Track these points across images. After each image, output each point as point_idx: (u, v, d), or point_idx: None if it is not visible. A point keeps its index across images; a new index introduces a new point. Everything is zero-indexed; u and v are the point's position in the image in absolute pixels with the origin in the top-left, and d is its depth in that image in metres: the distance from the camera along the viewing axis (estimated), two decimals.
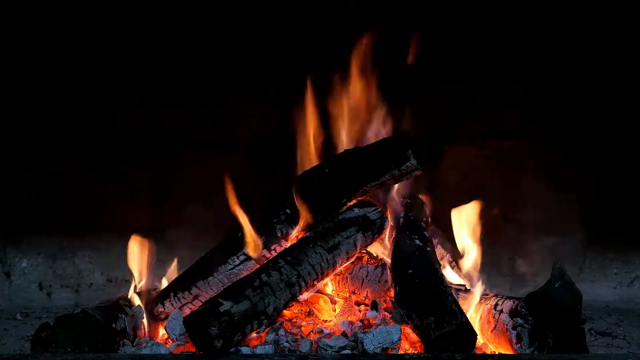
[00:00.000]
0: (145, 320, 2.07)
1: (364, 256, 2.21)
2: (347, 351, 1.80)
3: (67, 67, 2.88)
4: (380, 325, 1.96)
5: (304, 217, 2.14)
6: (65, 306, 2.87)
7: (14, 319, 2.70)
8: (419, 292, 1.89)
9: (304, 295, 2.08)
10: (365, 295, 2.18)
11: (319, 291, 2.19)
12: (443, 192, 2.96)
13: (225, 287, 2.00)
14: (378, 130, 2.36)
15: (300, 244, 2.04)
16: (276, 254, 2.09)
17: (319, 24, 2.83)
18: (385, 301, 2.13)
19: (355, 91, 2.39)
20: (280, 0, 2.82)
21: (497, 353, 1.89)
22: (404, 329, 1.88)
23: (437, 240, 2.36)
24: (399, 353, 1.80)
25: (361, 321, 2.03)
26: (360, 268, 2.19)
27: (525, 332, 1.80)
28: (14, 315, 2.74)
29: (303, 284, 1.96)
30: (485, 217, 2.24)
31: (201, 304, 1.93)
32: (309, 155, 2.35)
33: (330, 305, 2.16)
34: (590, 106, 2.94)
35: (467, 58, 2.90)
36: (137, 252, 2.25)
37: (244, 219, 2.13)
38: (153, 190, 2.96)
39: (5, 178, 2.93)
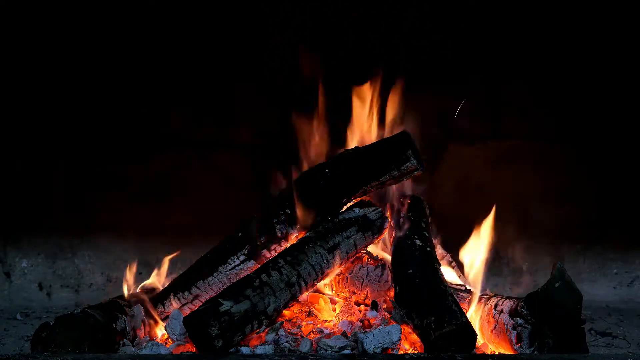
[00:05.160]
0: (145, 320, 2.07)
1: (364, 256, 2.21)
2: (347, 351, 1.80)
3: (67, 68, 2.88)
4: (380, 325, 1.96)
5: (304, 217, 2.14)
6: (65, 306, 2.86)
7: (14, 319, 2.70)
8: (419, 292, 1.89)
9: (304, 295, 2.08)
10: (365, 295, 2.18)
11: (319, 291, 2.19)
12: (443, 192, 2.96)
13: (225, 287, 2.00)
14: (378, 130, 2.37)
15: (300, 244, 2.04)
16: (276, 254, 2.09)
17: (320, 25, 2.84)
18: (385, 301, 2.13)
19: (356, 92, 2.40)
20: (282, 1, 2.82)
21: (497, 353, 1.90)
22: (404, 329, 1.88)
23: (437, 240, 2.36)
24: (399, 353, 1.80)
25: (361, 321, 2.03)
26: (360, 268, 2.19)
27: (525, 332, 1.80)
28: (14, 315, 2.74)
29: (303, 284, 1.96)
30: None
31: (201, 304, 1.93)
32: (310, 155, 2.35)
33: (330, 305, 2.16)
34: (589, 105, 2.94)
35: (467, 57, 2.90)
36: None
37: None
38: (153, 190, 2.96)
39: (6, 178, 2.93)
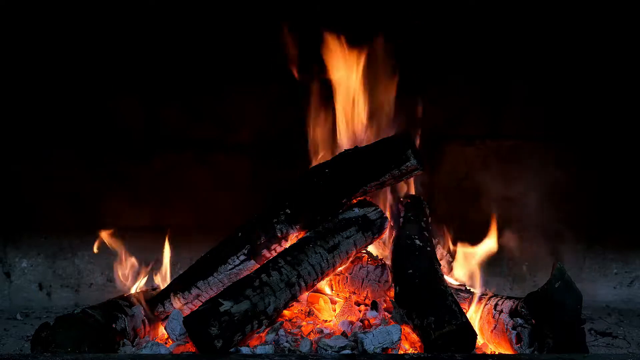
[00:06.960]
0: (145, 320, 2.07)
1: (364, 256, 2.21)
2: (347, 351, 1.80)
3: (67, 68, 2.88)
4: (380, 325, 1.96)
5: (304, 217, 2.14)
6: (65, 306, 2.87)
7: (14, 319, 2.70)
8: (419, 292, 1.90)
9: (304, 295, 2.08)
10: (365, 295, 2.18)
11: (319, 291, 2.19)
12: (443, 192, 2.96)
13: (225, 287, 2.00)
14: (379, 130, 2.37)
15: (300, 244, 2.04)
16: (276, 253, 2.09)
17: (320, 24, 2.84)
18: (385, 301, 2.13)
19: (358, 92, 2.40)
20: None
21: (497, 353, 1.90)
22: (404, 329, 1.88)
23: (437, 240, 2.36)
24: (399, 353, 1.80)
25: (361, 321, 2.03)
26: (360, 268, 2.19)
27: (525, 332, 1.80)
28: (14, 315, 2.74)
29: (303, 284, 1.96)
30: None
31: (201, 304, 1.93)
32: (309, 155, 2.36)
33: (330, 305, 2.16)
34: (590, 106, 2.94)
35: (466, 57, 2.91)
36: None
37: None
38: (153, 190, 2.96)
39: (6, 178, 2.93)
